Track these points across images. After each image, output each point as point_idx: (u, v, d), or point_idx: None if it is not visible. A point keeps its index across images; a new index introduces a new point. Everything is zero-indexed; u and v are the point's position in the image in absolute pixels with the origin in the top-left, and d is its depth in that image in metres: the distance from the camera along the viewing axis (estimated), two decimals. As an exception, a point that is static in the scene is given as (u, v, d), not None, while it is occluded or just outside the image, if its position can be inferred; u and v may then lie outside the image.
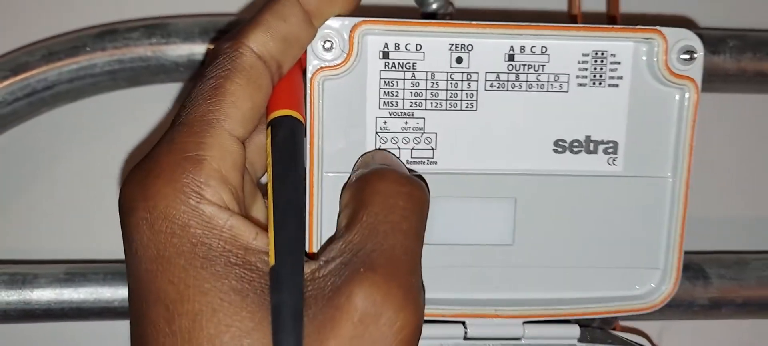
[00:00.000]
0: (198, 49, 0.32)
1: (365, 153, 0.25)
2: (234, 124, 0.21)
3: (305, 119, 0.24)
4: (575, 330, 0.27)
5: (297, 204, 0.21)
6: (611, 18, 0.35)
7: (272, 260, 0.19)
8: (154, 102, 0.35)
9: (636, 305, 0.27)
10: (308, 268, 0.20)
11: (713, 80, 0.35)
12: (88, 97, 0.33)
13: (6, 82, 0.31)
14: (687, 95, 0.26)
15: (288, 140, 0.22)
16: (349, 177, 0.24)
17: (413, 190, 0.22)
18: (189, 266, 0.19)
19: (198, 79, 0.22)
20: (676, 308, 0.34)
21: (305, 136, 0.23)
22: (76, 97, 0.33)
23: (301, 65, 0.24)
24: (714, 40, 0.35)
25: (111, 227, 0.34)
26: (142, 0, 0.34)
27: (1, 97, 0.32)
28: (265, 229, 0.20)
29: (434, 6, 0.31)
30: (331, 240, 0.21)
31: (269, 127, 0.22)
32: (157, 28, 0.32)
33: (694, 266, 0.34)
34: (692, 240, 0.37)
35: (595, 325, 0.30)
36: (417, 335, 0.20)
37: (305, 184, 0.22)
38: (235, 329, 0.19)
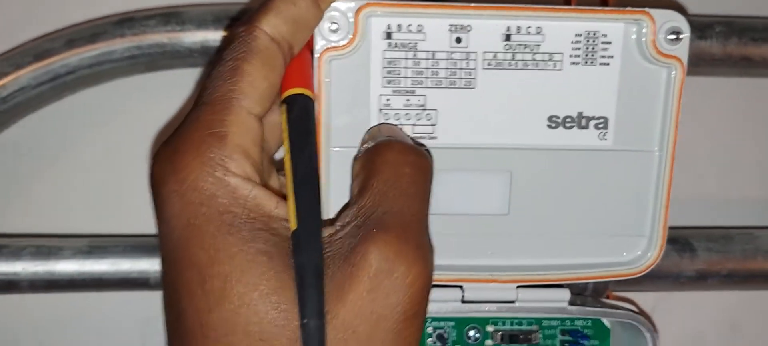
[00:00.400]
0: (211, 36, 0.34)
1: (372, 126, 0.27)
2: (252, 102, 0.23)
3: (315, 96, 0.25)
4: (566, 294, 0.28)
5: (313, 174, 0.22)
6: (604, 2, 0.37)
7: (293, 225, 0.21)
8: (171, 86, 0.36)
9: (623, 271, 0.28)
10: (326, 232, 0.22)
11: (701, 64, 0.37)
12: (107, 81, 0.35)
13: (30, 68, 0.33)
14: (674, 74, 0.27)
15: (302, 116, 0.23)
16: (359, 149, 0.26)
17: (418, 158, 0.23)
18: (217, 232, 0.21)
19: (216, 61, 0.23)
20: (664, 279, 0.36)
21: (315, 111, 0.25)
22: (96, 81, 0.34)
23: (310, 46, 0.25)
24: (701, 25, 0.36)
25: (129, 204, 0.36)
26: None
27: (25, 82, 0.33)
28: (284, 199, 0.22)
29: None
30: (346, 206, 0.23)
31: (284, 105, 0.23)
32: (172, 16, 0.34)
33: (681, 239, 0.36)
34: (681, 216, 0.39)
35: (587, 293, 0.32)
36: (427, 287, 0.22)
37: (318, 155, 0.24)
38: (263, 287, 0.20)
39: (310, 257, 0.21)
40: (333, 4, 0.25)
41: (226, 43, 0.24)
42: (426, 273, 0.22)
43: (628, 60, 0.27)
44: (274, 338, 0.20)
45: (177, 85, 0.36)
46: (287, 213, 0.22)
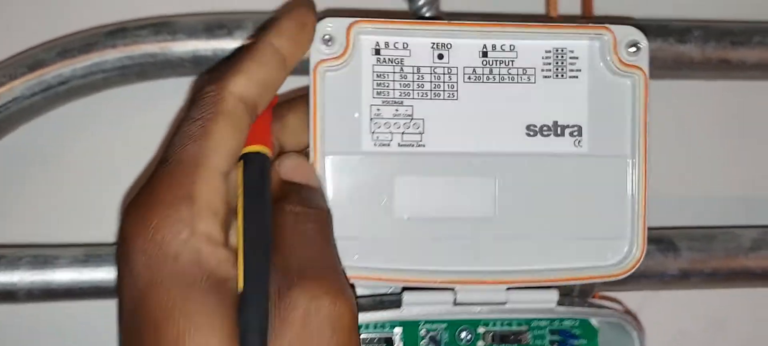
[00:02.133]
0: (202, 46, 0.34)
1: (275, 163, 0.27)
2: (220, 162, 0.24)
3: (273, 151, 0.26)
4: (554, 295, 0.29)
5: (263, 234, 0.24)
6: (586, 15, 0.38)
7: (241, 286, 0.23)
8: (163, 95, 0.37)
9: (608, 273, 0.29)
10: None
11: (680, 68, 0.38)
12: (100, 91, 0.35)
13: (23, 79, 0.33)
14: (637, 83, 0.29)
15: (257, 175, 0.25)
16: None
17: (318, 214, 0.26)
18: (177, 291, 0.22)
19: (183, 118, 0.25)
20: (649, 278, 0.37)
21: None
22: (89, 91, 0.35)
23: (271, 103, 0.27)
24: (680, 30, 0.37)
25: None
26: (150, 0, 0.36)
27: (19, 93, 0.33)
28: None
29: (421, 2, 0.33)
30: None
31: (240, 161, 0.25)
32: (163, 25, 0.34)
33: (665, 239, 0.37)
34: (664, 216, 0.39)
35: (574, 294, 0.33)
36: (354, 319, 0.24)
37: (270, 213, 0.25)
38: (216, 330, 0.22)
39: (253, 317, 0.22)
40: (327, 21, 0.27)
41: (194, 97, 0.25)
42: (350, 306, 0.24)
43: (594, 72, 0.29)
44: None
45: (169, 95, 0.37)
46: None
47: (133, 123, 0.37)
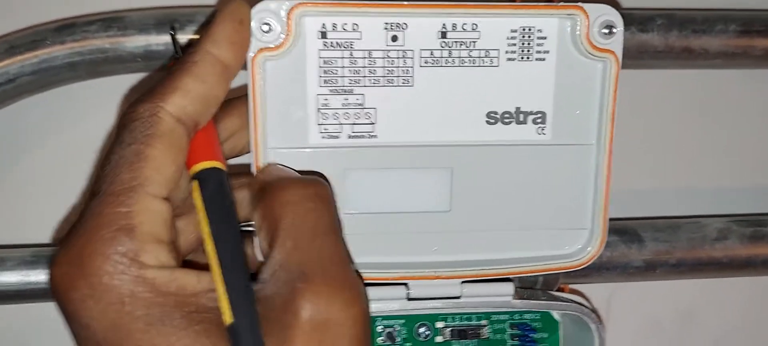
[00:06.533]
0: (154, 40, 0.33)
1: (257, 172, 0.26)
2: (158, 188, 0.22)
3: (225, 165, 0.24)
4: (510, 288, 0.29)
5: (239, 257, 0.22)
6: None
7: (228, 319, 0.21)
8: (117, 92, 0.36)
9: (566, 263, 0.29)
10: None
11: (643, 57, 0.37)
12: (50, 89, 0.34)
13: (-31, 77, 0.33)
14: (608, 67, 0.27)
15: (218, 194, 0.22)
16: (251, 196, 0.25)
17: (317, 189, 0.23)
18: (150, 327, 0.20)
19: (114, 144, 0.22)
20: (613, 270, 0.36)
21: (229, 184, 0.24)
22: (38, 89, 0.34)
23: (213, 130, 0.24)
24: (643, 18, 0.37)
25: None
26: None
27: (-35, 92, 0.33)
28: (204, 268, 0.22)
29: None
30: (261, 264, 0.22)
31: (195, 181, 0.23)
32: (114, 20, 0.33)
33: (629, 230, 0.37)
34: (627, 207, 0.39)
35: (537, 287, 0.33)
36: (367, 320, 0.21)
37: (240, 233, 0.23)
38: None
39: (250, 341, 0.20)
40: (265, 4, 0.25)
41: (125, 120, 0.22)
42: (362, 308, 0.21)
43: (563, 54, 0.27)
44: None
45: (123, 91, 0.36)
46: (210, 283, 0.21)
47: (82, 122, 0.36)
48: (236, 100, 0.26)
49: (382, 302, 0.28)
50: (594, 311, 0.30)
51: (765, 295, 0.42)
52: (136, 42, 0.33)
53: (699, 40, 0.37)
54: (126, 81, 0.36)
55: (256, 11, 0.25)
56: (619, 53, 0.27)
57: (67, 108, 0.36)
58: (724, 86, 0.41)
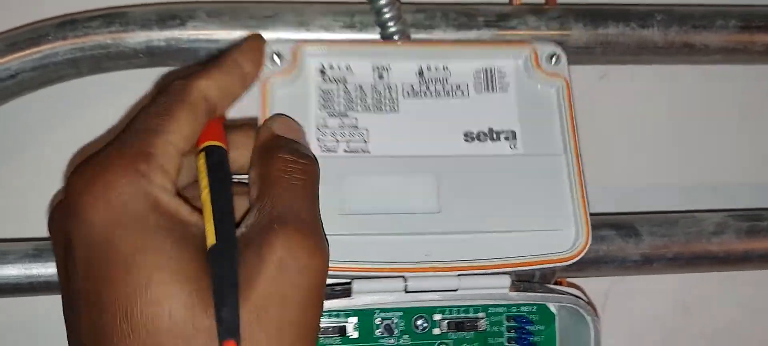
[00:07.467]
0: (155, 36, 0.34)
1: (267, 121, 0.29)
2: (178, 139, 0.26)
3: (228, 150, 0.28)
4: (506, 280, 0.29)
5: (230, 205, 0.25)
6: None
7: (212, 241, 0.24)
8: (117, 89, 0.36)
9: (558, 257, 0.29)
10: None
11: (643, 52, 0.38)
12: (52, 85, 0.34)
13: (-30, 73, 0.33)
14: (561, 89, 0.32)
15: (221, 162, 0.27)
16: (254, 150, 0.28)
17: (306, 165, 0.26)
18: (143, 230, 0.23)
19: (148, 103, 0.27)
20: (609, 264, 0.36)
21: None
22: (40, 85, 0.34)
23: (223, 122, 0.29)
24: (642, 14, 0.37)
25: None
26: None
27: (-33, 88, 0.33)
28: (198, 210, 0.25)
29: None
30: (247, 210, 0.26)
31: (203, 153, 0.27)
32: (115, 16, 0.34)
33: (626, 225, 0.37)
34: (627, 203, 0.39)
35: (534, 281, 0.33)
36: (325, 274, 0.25)
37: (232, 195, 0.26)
38: (182, 276, 0.23)
39: (228, 270, 0.23)
40: (274, 40, 0.31)
41: (160, 88, 0.28)
42: (324, 262, 0.25)
43: (522, 84, 0.32)
44: (191, 321, 0.22)
45: (124, 88, 0.36)
46: (203, 225, 0.24)
47: (84, 118, 0.37)
48: (246, 122, 0.30)
49: (380, 295, 0.28)
50: (590, 303, 0.31)
51: (761, 289, 0.43)
52: (138, 38, 0.34)
53: (699, 36, 0.38)
54: (128, 77, 0.36)
55: (269, 45, 0.30)
56: (567, 76, 0.32)
57: (68, 104, 0.37)
58: (724, 82, 0.41)
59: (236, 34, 0.34)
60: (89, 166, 0.24)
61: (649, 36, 0.37)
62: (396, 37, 0.34)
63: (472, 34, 0.35)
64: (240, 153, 0.29)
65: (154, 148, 0.25)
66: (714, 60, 0.39)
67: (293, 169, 0.26)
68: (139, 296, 0.22)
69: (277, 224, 0.24)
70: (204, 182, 0.26)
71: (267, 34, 0.34)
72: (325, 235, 0.26)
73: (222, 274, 0.23)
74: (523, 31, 0.36)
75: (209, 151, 0.27)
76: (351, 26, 0.35)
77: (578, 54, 0.37)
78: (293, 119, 0.29)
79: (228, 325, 0.22)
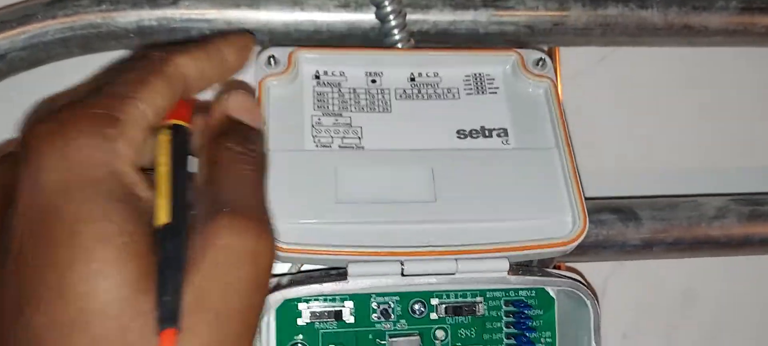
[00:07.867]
0: (146, 15, 0.33)
1: (222, 95, 0.28)
2: (148, 109, 0.25)
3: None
4: (504, 264, 0.28)
5: (186, 184, 0.25)
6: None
7: (164, 220, 0.23)
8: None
9: (557, 241, 0.29)
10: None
11: (642, 34, 0.37)
12: (42, 65, 0.34)
13: (-41, 54, 0.32)
14: (549, 89, 0.32)
15: (184, 144, 0.26)
16: (206, 125, 0.27)
17: (256, 158, 0.26)
18: (94, 194, 0.22)
19: (123, 67, 0.25)
20: (610, 248, 0.36)
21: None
22: (30, 65, 0.33)
23: (194, 104, 0.28)
24: (642, -5, 0.37)
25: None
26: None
27: (-44, 68, 0.32)
28: (152, 189, 0.24)
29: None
30: (197, 194, 0.25)
31: (168, 130, 0.26)
32: (105, -5, 0.33)
33: (626, 209, 0.36)
34: (625, 187, 0.39)
35: (533, 266, 0.32)
36: (271, 259, 0.24)
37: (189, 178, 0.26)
38: (128, 251, 0.22)
39: (176, 250, 0.23)
40: (270, 47, 0.31)
41: (139, 54, 0.27)
42: (270, 246, 0.24)
43: (511, 87, 0.33)
44: (128, 303, 0.21)
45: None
46: (155, 202, 0.24)
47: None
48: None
49: (376, 278, 0.28)
50: (589, 286, 0.30)
51: (763, 274, 0.42)
52: (129, 17, 0.33)
53: (699, 17, 0.37)
54: (119, 58, 0.35)
55: (264, 51, 0.31)
56: (554, 77, 0.33)
57: (59, 85, 0.36)
58: (724, 64, 0.40)
59: (229, 14, 0.33)
60: (52, 118, 0.23)
61: (648, 17, 0.37)
62: (391, 17, 0.33)
63: (468, 14, 0.35)
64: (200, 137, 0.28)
65: (124, 114, 0.24)
66: (714, 42, 0.38)
67: (242, 159, 0.25)
68: (77, 266, 0.21)
69: (225, 208, 0.23)
70: (163, 158, 0.25)
71: (261, 14, 0.34)
72: (272, 224, 0.25)
73: (169, 256, 0.22)
74: (520, 11, 0.35)
75: (176, 129, 0.26)
76: (346, 6, 0.34)
77: (577, 35, 0.36)
78: (249, 95, 0.28)
79: (169, 310, 0.21)
